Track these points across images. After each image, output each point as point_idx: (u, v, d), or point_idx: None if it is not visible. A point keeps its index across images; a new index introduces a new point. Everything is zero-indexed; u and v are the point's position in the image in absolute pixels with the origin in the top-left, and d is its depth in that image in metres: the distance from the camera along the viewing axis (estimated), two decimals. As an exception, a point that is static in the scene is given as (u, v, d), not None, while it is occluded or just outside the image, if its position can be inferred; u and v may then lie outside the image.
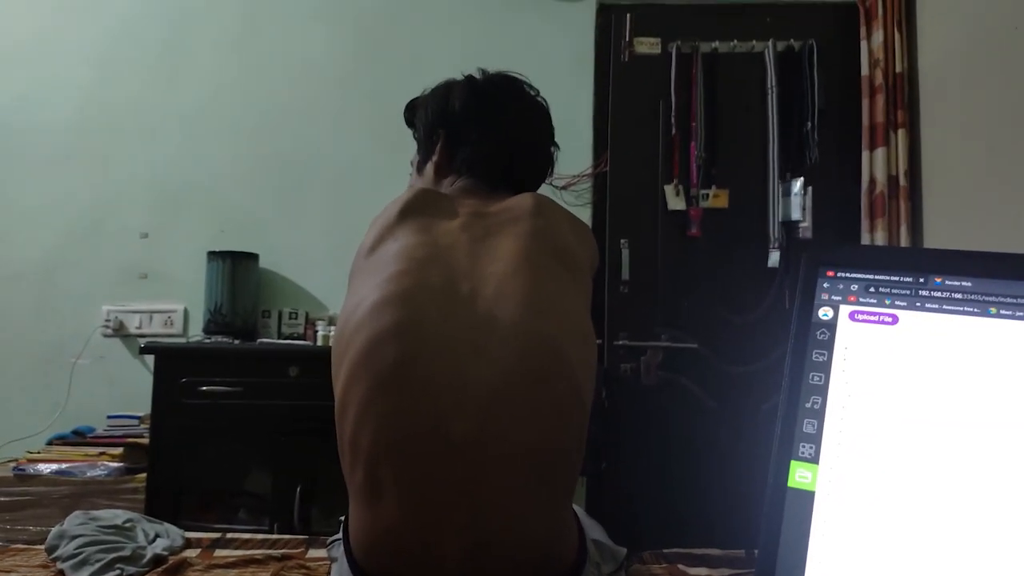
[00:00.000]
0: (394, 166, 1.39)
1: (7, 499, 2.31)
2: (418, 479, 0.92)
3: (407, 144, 1.41)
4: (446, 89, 1.33)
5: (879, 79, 2.61)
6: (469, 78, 1.32)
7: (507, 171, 1.27)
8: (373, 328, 0.97)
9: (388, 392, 0.94)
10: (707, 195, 2.74)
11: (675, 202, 2.74)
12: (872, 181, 2.60)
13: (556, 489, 0.98)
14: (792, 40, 2.76)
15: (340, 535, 1.06)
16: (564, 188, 2.79)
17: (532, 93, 1.33)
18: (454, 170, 1.27)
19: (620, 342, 2.70)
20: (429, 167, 1.30)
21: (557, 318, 1.02)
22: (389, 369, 0.94)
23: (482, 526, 0.91)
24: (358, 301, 1.02)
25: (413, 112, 1.38)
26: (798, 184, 2.68)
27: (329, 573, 1.19)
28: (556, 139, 1.37)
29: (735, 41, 2.77)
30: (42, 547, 1.41)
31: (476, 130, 1.26)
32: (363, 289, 1.03)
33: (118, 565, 1.30)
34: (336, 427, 1.00)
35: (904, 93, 2.59)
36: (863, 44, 2.69)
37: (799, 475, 0.63)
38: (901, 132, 2.57)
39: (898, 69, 2.59)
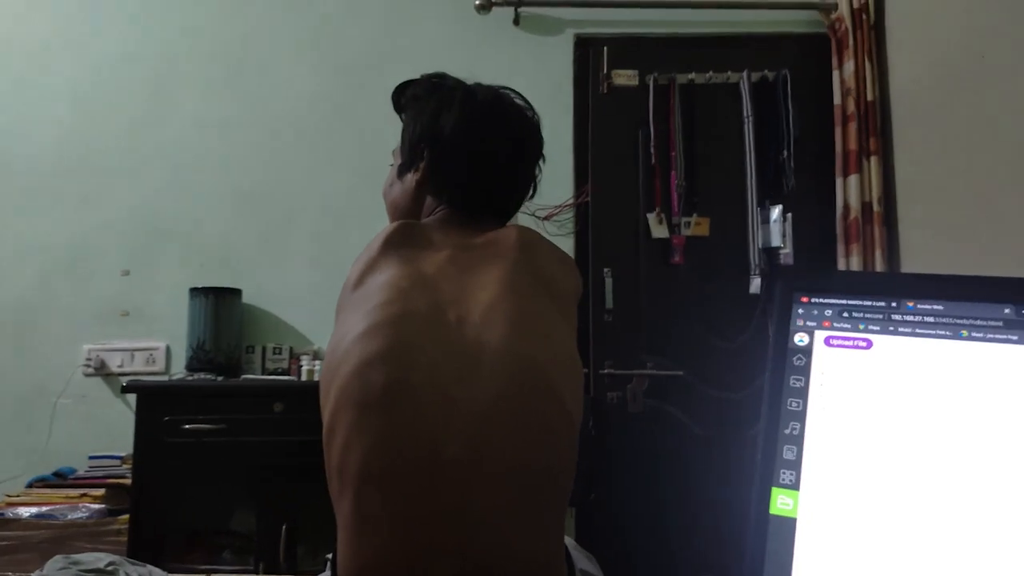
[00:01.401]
0: (378, 202, 1.39)
1: (-15, 544, 2.27)
2: (408, 500, 0.92)
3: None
4: (438, 101, 1.26)
5: (851, 107, 2.67)
6: (464, 98, 1.25)
7: (489, 201, 1.27)
8: (361, 354, 0.97)
9: (376, 415, 0.94)
10: (688, 223, 2.78)
11: (658, 230, 2.77)
12: (846, 207, 2.64)
13: (546, 511, 0.98)
14: (766, 70, 2.82)
15: (328, 572, 1.05)
16: (546, 218, 2.81)
17: (529, 115, 1.29)
18: (435, 193, 1.26)
19: (605, 371, 2.71)
20: (410, 179, 1.27)
21: (544, 343, 1.03)
22: (378, 392, 0.95)
23: (473, 548, 0.91)
24: (345, 331, 1.03)
25: (403, 95, 1.33)
26: (776, 211, 2.72)
27: (316, 612, 1.18)
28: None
29: (711, 72, 2.82)
30: (22, 593, 1.38)
31: (463, 159, 1.24)
32: (350, 320, 1.04)
33: (100, 609, 1.28)
34: (324, 454, 0.99)
35: (876, 121, 2.64)
36: (835, 73, 2.75)
37: (781, 502, 0.64)
38: (874, 159, 2.62)
39: (869, 97, 2.65)
